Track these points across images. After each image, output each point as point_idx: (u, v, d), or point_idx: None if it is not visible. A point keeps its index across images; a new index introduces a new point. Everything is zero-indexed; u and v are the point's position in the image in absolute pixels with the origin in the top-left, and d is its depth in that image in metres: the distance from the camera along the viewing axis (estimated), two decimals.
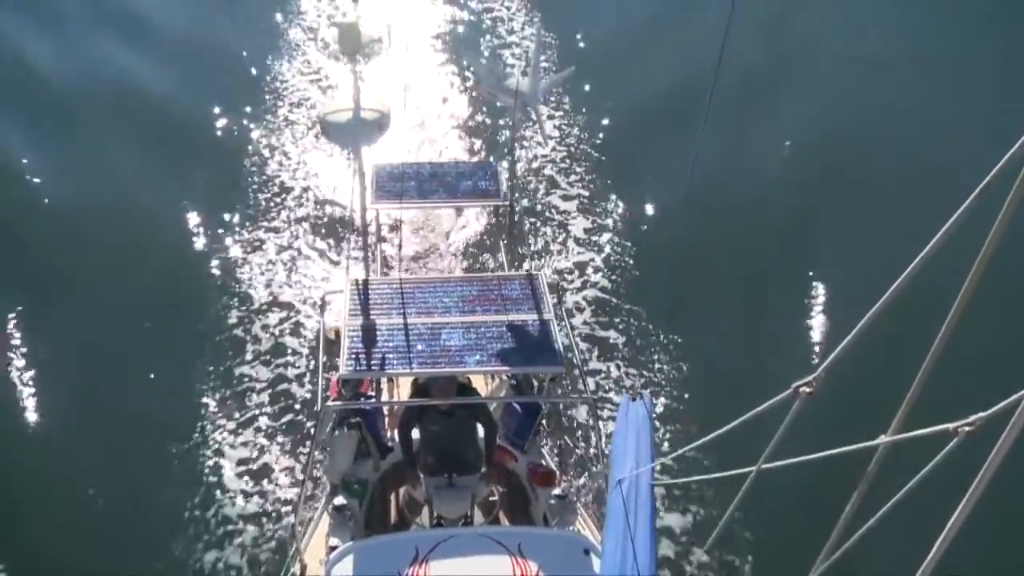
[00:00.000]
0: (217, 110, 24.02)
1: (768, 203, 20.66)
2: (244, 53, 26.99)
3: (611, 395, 16.29)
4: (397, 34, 12.40)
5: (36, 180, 21.42)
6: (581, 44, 27.58)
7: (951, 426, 3.20)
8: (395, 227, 18.62)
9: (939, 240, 3.59)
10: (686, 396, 16.32)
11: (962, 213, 3.45)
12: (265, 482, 14.91)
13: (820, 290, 18.43)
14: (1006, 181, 3.21)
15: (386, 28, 12.13)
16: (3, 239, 19.20)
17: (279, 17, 29.29)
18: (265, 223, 20.31)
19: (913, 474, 3.76)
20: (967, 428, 3.14)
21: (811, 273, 18.81)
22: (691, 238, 19.38)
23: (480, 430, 10.89)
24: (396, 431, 10.95)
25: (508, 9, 29.99)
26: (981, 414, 3.15)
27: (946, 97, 24.79)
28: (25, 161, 21.93)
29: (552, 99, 23.71)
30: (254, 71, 26.02)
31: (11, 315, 17.43)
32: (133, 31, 28.28)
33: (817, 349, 17.21)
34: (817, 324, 17.76)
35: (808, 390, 4.36)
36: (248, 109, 24.13)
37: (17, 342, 16.96)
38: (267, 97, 24.82)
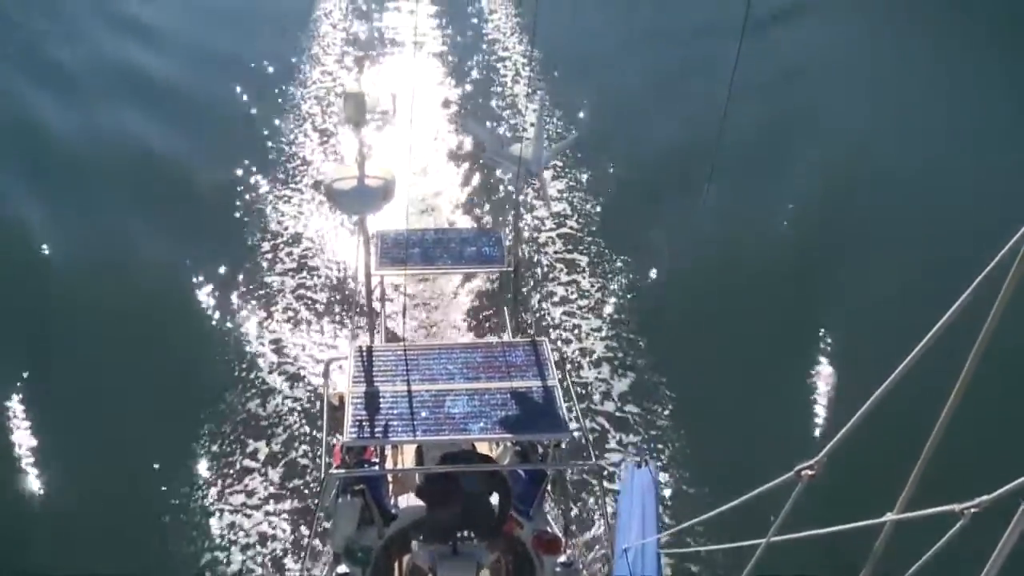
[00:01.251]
0: (223, 173, 24.30)
1: (771, 267, 20.71)
2: (252, 117, 27.39)
3: (616, 461, 16.17)
4: (402, 102, 12.46)
5: (41, 240, 21.62)
6: (584, 110, 27.91)
7: (957, 507, 3.19)
8: (400, 293, 18.66)
9: (939, 328, 3.64)
10: (691, 464, 16.20)
11: (963, 302, 3.50)
12: (268, 550, 14.76)
13: (824, 355, 18.42)
14: (1003, 267, 3.27)
15: (391, 97, 12.21)
16: (6, 298, 19.32)
17: (287, 83, 29.74)
18: (269, 288, 20.37)
19: (919, 554, 3.74)
20: (973, 509, 3.14)
21: (814, 338, 18.82)
22: (695, 303, 19.43)
23: (494, 498, 10.77)
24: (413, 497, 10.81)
25: (512, 77, 30.40)
26: (986, 496, 3.15)
27: (945, 161, 25.07)
28: (31, 221, 22.19)
29: (555, 165, 23.89)
30: (261, 135, 26.37)
31: (12, 379, 17.41)
32: (141, 93, 28.84)
33: (820, 415, 17.14)
34: (821, 390, 17.71)
35: (811, 472, 4.37)
36: (254, 173, 24.38)
37: (18, 407, 16.92)
38: (273, 162, 25.09)
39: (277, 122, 27.15)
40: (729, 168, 23.18)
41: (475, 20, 36.02)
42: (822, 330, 18.98)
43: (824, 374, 18.05)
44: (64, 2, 37.88)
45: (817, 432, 16.71)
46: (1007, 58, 32.48)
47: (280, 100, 28.56)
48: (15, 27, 34.80)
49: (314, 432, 16.50)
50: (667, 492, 15.46)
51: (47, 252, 21.24)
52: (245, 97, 28.69)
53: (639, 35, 35.22)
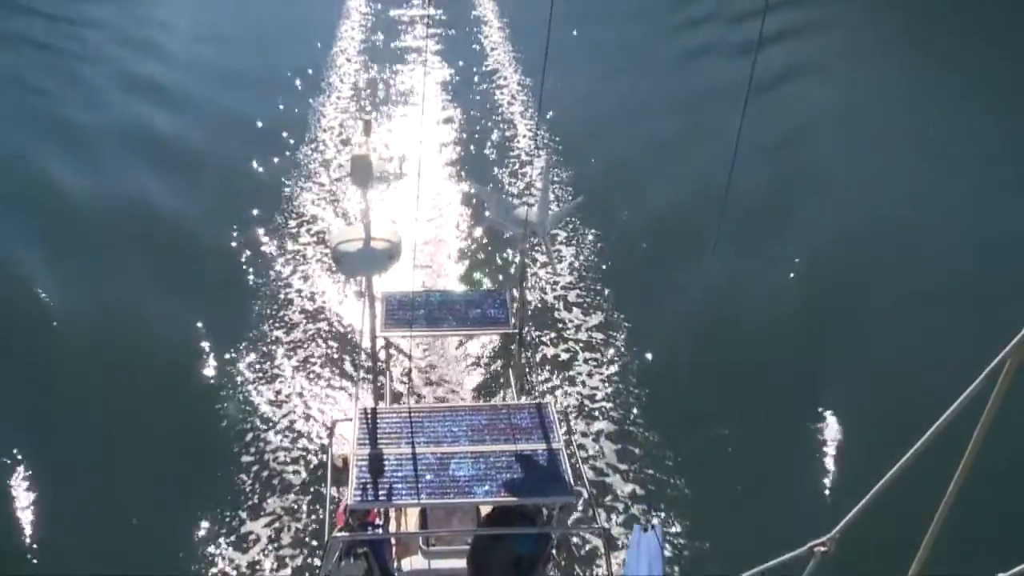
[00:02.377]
0: (231, 233, 24.54)
1: (778, 328, 20.73)
2: (260, 178, 27.76)
3: (622, 525, 16.03)
4: (409, 165, 12.64)
5: (50, 299, 21.75)
6: (589, 172, 28.15)
7: None
8: (405, 354, 18.67)
9: (950, 414, 3.71)
10: (699, 531, 16.03)
11: (974, 389, 3.57)
12: None
13: (832, 416, 18.31)
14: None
15: (398, 160, 12.41)
16: (12, 356, 19.37)
17: (295, 143, 30.13)
18: (274, 348, 20.38)
19: None
20: None
21: (823, 400, 18.72)
22: (701, 365, 19.37)
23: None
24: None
25: (518, 140, 30.72)
26: (1002, 574, 3.16)
27: (951, 218, 25.29)
28: (40, 279, 22.37)
29: (561, 227, 24.03)
30: (269, 196, 26.66)
31: (15, 438, 17.37)
32: (152, 153, 29.33)
33: (829, 479, 17.00)
34: (830, 452, 17.58)
35: (823, 549, 4.36)
36: (261, 233, 24.59)
37: (19, 466, 16.85)
38: (280, 222, 25.31)
39: (285, 183, 27.45)
40: (734, 228, 23.38)
41: (483, 84, 36.54)
42: (830, 392, 18.91)
43: (832, 436, 17.94)
44: (81, 65, 38.65)
45: (827, 496, 16.58)
46: (1014, 119, 32.86)
47: (288, 161, 28.92)
48: (32, 90, 35.46)
49: (317, 493, 16.40)
50: (674, 560, 15.29)
51: (55, 311, 21.33)
52: (254, 157, 29.06)
53: (644, 98, 35.76)
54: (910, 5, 54.18)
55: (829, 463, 17.35)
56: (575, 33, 39.29)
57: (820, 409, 18.51)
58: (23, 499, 16.24)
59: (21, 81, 36.59)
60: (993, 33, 46.22)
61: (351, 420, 11.04)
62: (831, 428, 18.11)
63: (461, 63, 38.79)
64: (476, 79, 37.02)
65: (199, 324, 20.80)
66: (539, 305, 21.69)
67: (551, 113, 32.23)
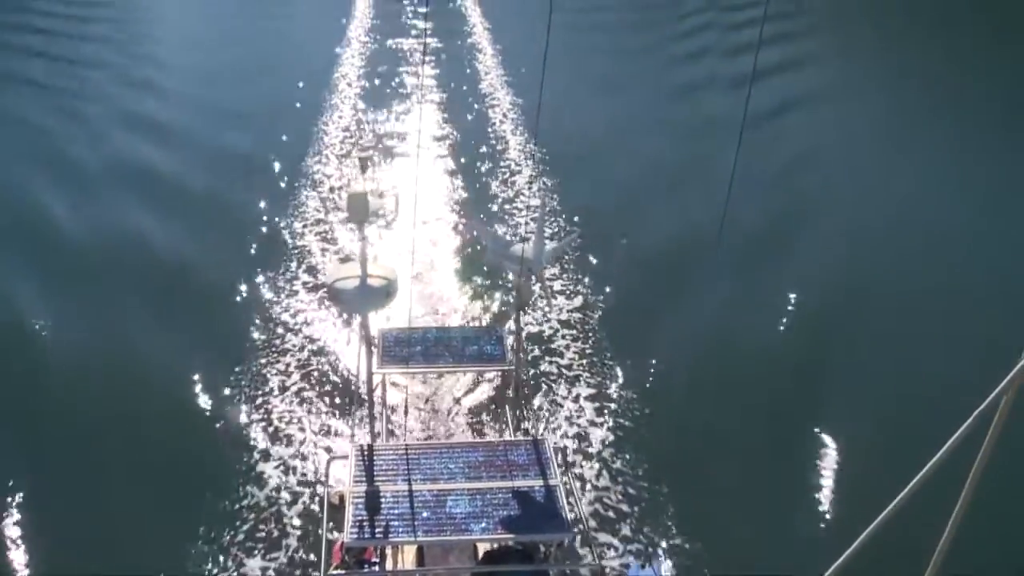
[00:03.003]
0: (227, 269, 24.59)
1: (773, 364, 20.71)
2: (257, 215, 27.82)
3: (620, 561, 15.92)
4: (405, 202, 12.68)
5: (46, 334, 21.80)
6: (585, 208, 28.25)
7: None
8: (401, 391, 18.65)
9: (943, 454, 3.75)
10: (696, 565, 15.95)
11: (967, 427, 3.62)
12: None
13: (828, 453, 18.26)
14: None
15: (394, 197, 12.46)
16: (6, 389, 19.34)
17: (292, 181, 30.29)
18: (270, 384, 20.32)
19: None
20: None
21: (819, 437, 18.67)
22: (697, 400, 19.39)
23: None
24: None
25: (514, 177, 30.87)
26: None
27: (950, 251, 25.45)
28: (37, 314, 22.41)
29: (556, 263, 24.09)
30: (266, 233, 26.77)
31: (8, 473, 17.29)
32: (150, 190, 29.50)
33: (825, 517, 16.93)
34: (826, 490, 17.50)
35: None
36: (258, 270, 24.63)
37: (13, 501, 16.75)
38: (277, 259, 25.34)
39: (281, 220, 27.55)
40: (731, 258, 23.49)
41: (478, 120, 36.80)
42: (830, 423, 18.87)
43: (831, 469, 17.89)
44: (80, 103, 38.96)
45: (826, 530, 16.48)
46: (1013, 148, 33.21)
47: (285, 198, 29.05)
48: (32, 128, 35.74)
49: (313, 531, 16.31)
50: None
51: (50, 346, 21.40)
52: (250, 194, 29.20)
53: (639, 133, 36.06)
54: (903, 37, 54.91)
55: (828, 496, 17.29)
56: (571, 63, 39.67)
57: (819, 441, 18.48)
58: (13, 532, 16.13)
59: (21, 119, 36.91)
60: (989, 63, 46.84)
61: (347, 457, 11.05)
62: (830, 460, 18.07)
63: (457, 100, 39.12)
64: (472, 115, 37.31)
65: (195, 360, 20.76)
66: (535, 341, 21.68)
67: (547, 149, 32.48)
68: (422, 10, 56.74)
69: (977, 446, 3.70)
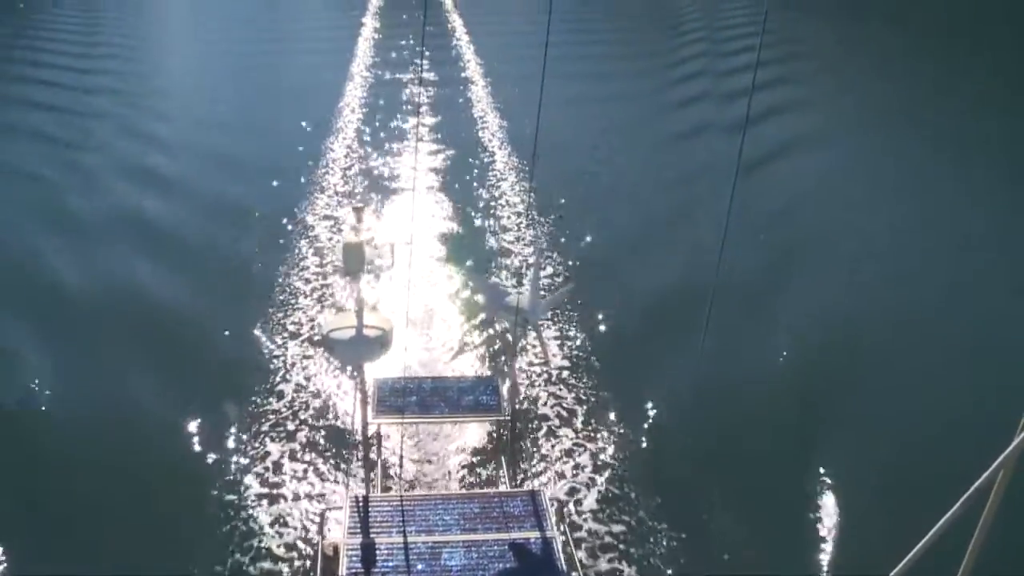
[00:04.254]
0: (222, 319, 24.57)
1: (770, 410, 20.66)
2: (252, 264, 27.88)
3: None
4: (400, 252, 12.72)
5: (38, 383, 21.69)
6: (581, 257, 28.36)
7: None
8: (397, 441, 18.54)
9: (941, 526, 3.75)
10: None
11: (955, 511, 3.62)
12: None
13: (827, 508, 18.12)
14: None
15: (389, 247, 12.50)
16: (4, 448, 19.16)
17: (287, 230, 30.38)
18: (265, 434, 20.18)
19: None
20: None
21: (817, 485, 18.56)
22: (695, 450, 19.31)
23: None
24: None
25: (509, 226, 31.00)
26: None
27: (944, 296, 25.51)
28: (30, 364, 22.36)
29: (552, 313, 24.08)
30: (261, 282, 26.79)
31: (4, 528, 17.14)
32: (146, 240, 29.58)
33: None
34: (828, 544, 17.37)
35: None
36: (253, 319, 24.62)
37: (11, 552, 16.60)
38: (272, 309, 25.32)
39: (277, 269, 27.61)
40: (726, 308, 23.47)
41: (474, 169, 37.05)
42: (827, 476, 18.74)
43: (829, 528, 17.72)
44: (82, 153, 39.27)
45: None
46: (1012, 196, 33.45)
47: (281, 248, 29.13)
48: (33, 179, 36.00)
49: None
50: None
51: (45, 395, 21.32)
52: (247, 245, 29.30)
53: (635, 180, 36.35)
54: (897, 79, 55.62)
55: (824, 559, 17.14)
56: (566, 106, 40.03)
57: (818, 495, 18.33)
58: None
59: (23, 170, 37.18)
60: (985, 104, 47.43)
61: (342, 508, 10.97)
62: (828, 517, 17.91)
63: (453, 148, 39.39)
64: (468, 165, 37.56)
65: (189, 409, 20.66)
66: (531, 391, 21.61)
67: (543, 197, 32.68)
68: (421, 63, 57.45)
69: (975, 519, 3.67)
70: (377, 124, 43.65)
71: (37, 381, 21.89)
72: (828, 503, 18.13)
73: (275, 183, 35.06)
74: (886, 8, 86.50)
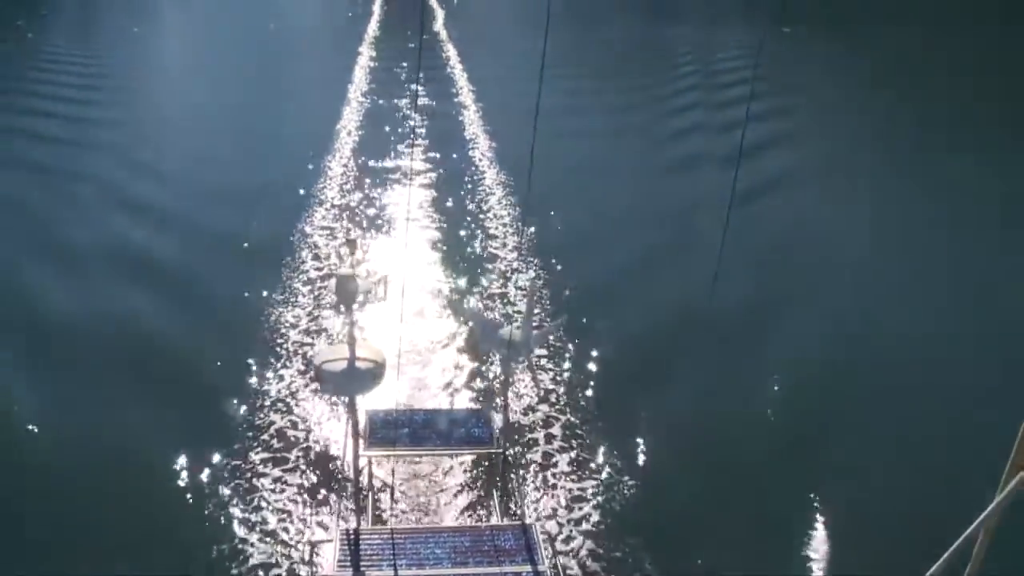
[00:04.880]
0: (213, 350, 24.52)
1: (762, 446, 20.64)
2: (244, 297, 27.79)
3: None
4: (393, 285, 12.75)
5: (29, 418, 21.59)
6: (573, 290, 28.40)
7: None
8: (388, 473, 18.48)
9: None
10: None
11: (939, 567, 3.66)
12: None
13: (819, 541, 18.11)
14: None
15: (382, 279, 12.54)
16: None
17: (279, 263, 30.38)
18: (255, 465, 20.09)
19: None
20: None
21: (809, 522, 18.54)
22: (687, 484, 19.26)
23: None
24: None
25: (502, 260, 31.05)
26: None
27: (943, 322, 25.57)
28: (20, 398, 22.27)
29: (544, 347, 24.07)
30: (253, 315, 26.73)
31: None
32: (140, 274, 29.56)
33: None
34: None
35: None
36: (245, 351, 24.55)
37: None
38: (264, 340, 25.27)
39: (270, 301, 27.58)
40: (719, 339, 23.54)
41: (467, 202, 37.15)
42: (817, 514, 18.72)
43: (823, 562, 17.69)
44: (77, 186, 39.37)
45: None
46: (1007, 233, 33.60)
47: (274, 280, 29.11)
48: (28, 211, 36.06)
49: None
50: None
51: (32, 425, 21.27)
52: (240, 276, 29.29)
53: (628, 214, 36.46)
54: (893, 114, 56.06)
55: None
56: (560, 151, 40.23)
57: (810, 529, 18.31)
58: None
59: (19, 200, 37.25)
60: (984, 140, 47.82)
61: (332, 541, 10.91)
62: (820, 553, 17.88)
63: (446, 183, 39.54)
64: (461, 197, 37.65)
65: (179, 440, 20.59)
66: (524, 424, 21.57)
67: (536, 231, 32.78)
68: (415, 94, 57.77)
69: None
70: (370, 157, 43.82)
71: (24, 410, 21.82)
72: (819, 538, 18.11)
73: (267, 214, 35.11)
74: (886, 42, 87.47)
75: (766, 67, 69.73)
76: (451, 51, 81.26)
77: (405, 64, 72.56)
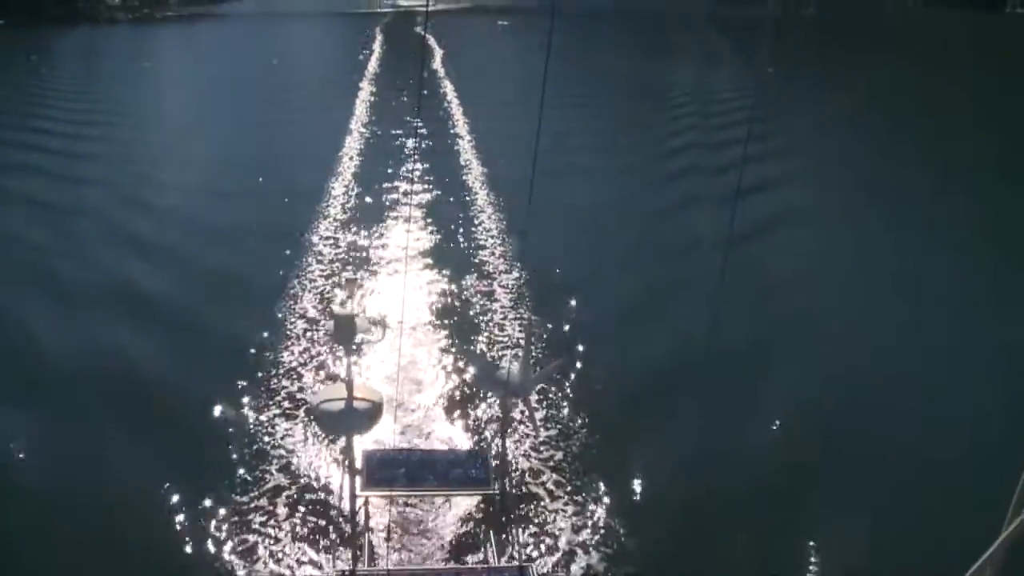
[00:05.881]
0: (208, 390, 24.49)
1: (760, 488, 20.56)
2: (241, 334, 27.78)
3: None
4: (391, 324, 12.80)
5: (18, 457, 21.65)
6: (571, 331, 28.44)
7: None
8: (384, 513, 18.38)
9: None
10: None
11: None
12: None
13: None
14: None
15: (380, 319, 12.60)
16: None
17: (277, 301, 30.41)
18: (249, 504, 19.96)
19: None
20: None
21: (806, 560, 18.46)
22: (686, 526, 19.17)
23: None
24: None
25: (500, 300, 31.08)
26: None
27: (939, 366, 25.58)
28: (10, 435, 22.29)
29: (542, 387, 24.03)
30: (249, 353, 26.69)
31: None
32: (133, 309, 29.66)
33: None
34: None
35: None
36: (240, 390, 24.48)
37: None
38: (260, 380, 25.19)
39: (267, 340, 27.55)
40: (717, 380, 23.54)
41: (464, 243, 37.26)
42: (817, 558, 18.63)
43: None
44: (72, 220, 39.59)
45: None
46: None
47: (271, 319, 29.09)
48: (21, 243, 36.23)
49: None
50: None
51: (22, 465, 21.29)
52: (237, 314, 29.30)
53: (625, 254, 36.62)
54: (889, 154, 56.44)
55: None
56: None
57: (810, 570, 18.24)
58: None
59: (16, 235, 37.45)
60: (985, 183, 48.14)
61: None
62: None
63: (444, 223, 39.65)
64: (459, 239, 37.78)
65: (173, 480, 20.48)
66: (521, 465, 21.49)
67: (533, 272, 32.87)
68: (416, 134, 58.15)
69: None
70: (369, 196, 44.03)
71: (14, 447, 21.78)
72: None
73: (266, 254, 35.23)
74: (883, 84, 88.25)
75: (749, 106, 70.63)
76: (448, 87, 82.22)
77: (405, 98, 73.52)
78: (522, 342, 11.51)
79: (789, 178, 49.09)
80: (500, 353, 26.57)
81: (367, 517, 15.90)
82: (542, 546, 18.93)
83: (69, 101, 77.92)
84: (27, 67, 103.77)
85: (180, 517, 19.58)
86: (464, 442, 22.36)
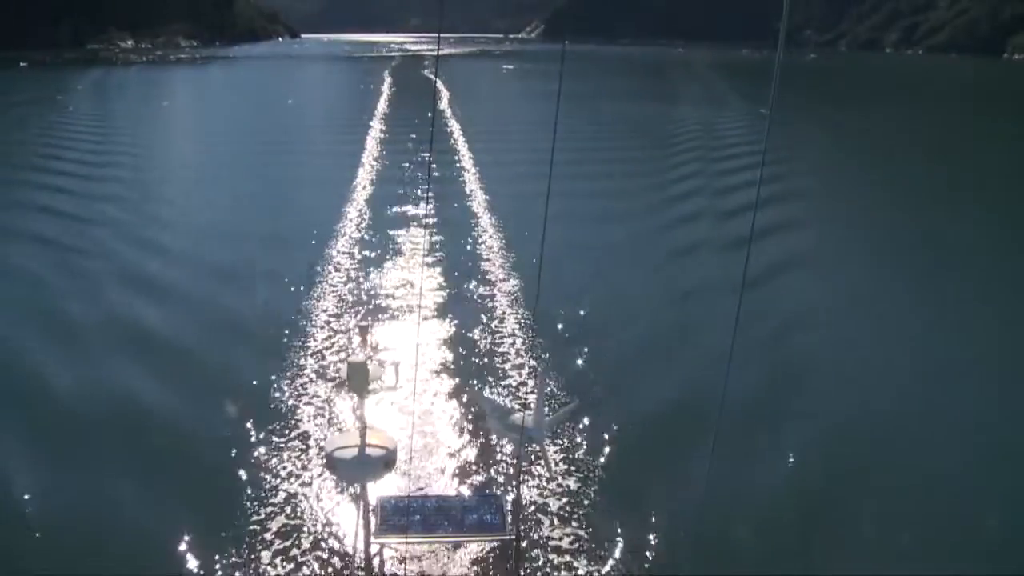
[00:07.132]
0: (219, 435, 24.35)
1: (778, 533, 20.40)
2: (253, 380, 27.70)
3: None
4: (405, 371, 12.75)
5: (23, 499, 21.42)
6: (585, 375, 28.35)
7: None
8: (399, 562, 18.21)
9: None
10: None
11: None
12: None
13: None
14: None
15: (394, 366, 12.56)
16: None
17: (289, 346, 30.33)
18: (260, 555, 19.71)
19: None
20: None
21: None
22: (704, 571, 18.96)
23: None
24: None
25: (513, 344, 30.96)
26: None
27: (951, 413, 25.36)
28: (14, 476, 22.18)
29: (557, 431, 23.88)
30: (260, 398, 26.55)
31: None
32: (143, 350, 29.68)
33: None
34: None
35: None
36: (252, 437, 24.30)
37: None
38: (272, 427, 24.98)
39: (279, 387, 27.39)
40: (732, 423, 23.36)
41: (477, 287, 37.22)
42: None
43: None
44: (81, 260, 39.83)
45: None
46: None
47: (284, 364, 28.96)
48: (27, 281, 36.46)
49: None
50: None
51: (31, 505, 21.11)
52: (248, 359, 29.24)
53: (638, 297, 36.60)
54: (899, 199, 56.56)
55: None
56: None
57: None
58: None
59: (21, 273, 37.69)
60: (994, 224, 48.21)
61: None
62: None
63: (456, 268, 39.67)
64: (472, 284, 37.71)
65: (182, 526, 20.26)
66: (536, 510, 21.26)
67: (546, 315, 32.80)
68: (428, 179, 58.46)
69: None
70: (381, 241, 44.14)
71: (19, 487, 21.69)
72: None
73: (278, 299, 35.28)
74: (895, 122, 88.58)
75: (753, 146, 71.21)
76: (455, 127, 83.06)
77: (413, 136, 74.39)
78: (536, 387, 11.47)
79: (799, 220, 49.24)
80: (514, 397, 26.44)
81: (382, 564, 15.75)
82: None
83: (100, 134, 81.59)
84: (54, 105, 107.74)
85: (191, 564, 19.39)
86: (479, 487, 22.19)
